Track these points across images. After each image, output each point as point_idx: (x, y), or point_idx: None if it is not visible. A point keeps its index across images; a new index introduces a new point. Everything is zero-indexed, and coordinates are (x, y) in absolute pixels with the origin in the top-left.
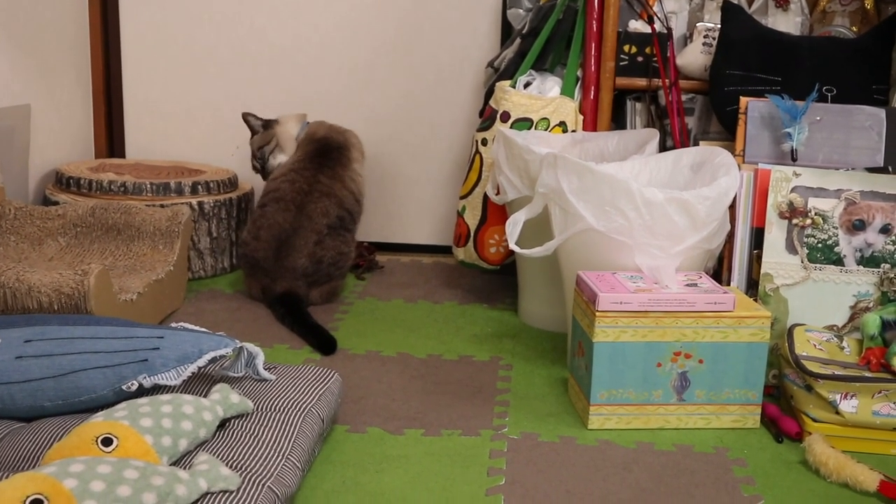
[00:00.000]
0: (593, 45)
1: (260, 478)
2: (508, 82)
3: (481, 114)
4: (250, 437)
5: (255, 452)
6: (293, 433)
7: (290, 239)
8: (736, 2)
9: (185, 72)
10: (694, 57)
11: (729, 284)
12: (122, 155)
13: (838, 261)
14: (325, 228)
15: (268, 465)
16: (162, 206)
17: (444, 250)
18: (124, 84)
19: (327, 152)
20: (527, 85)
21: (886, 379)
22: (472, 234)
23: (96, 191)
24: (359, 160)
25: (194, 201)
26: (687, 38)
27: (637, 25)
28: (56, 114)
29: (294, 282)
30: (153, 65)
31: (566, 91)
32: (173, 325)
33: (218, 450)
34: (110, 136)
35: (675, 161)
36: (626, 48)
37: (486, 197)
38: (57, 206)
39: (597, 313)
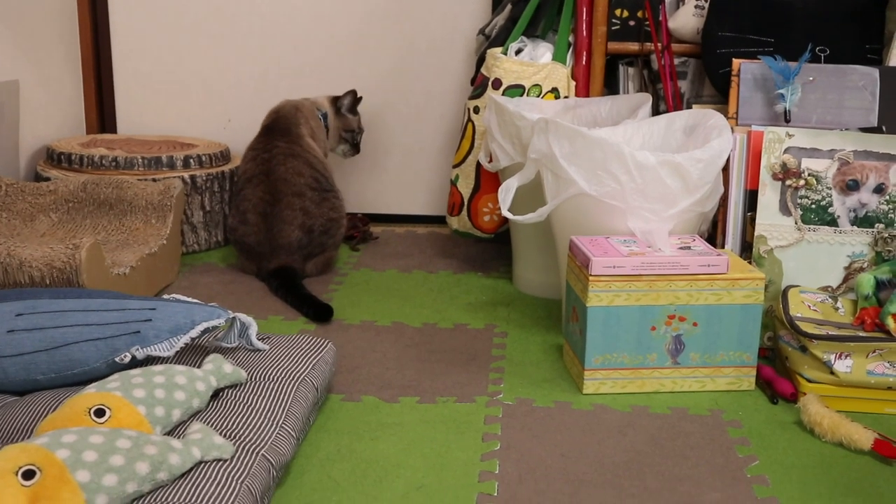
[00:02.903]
0: (584, 9)
1: (254, 446)
2: (500, 49)
3: (473, 81)
4: (244, 406)
5: (248, 421)
6: (287, 402)
7: (275, 210)
8: None
9: (176, 44)
10: (686, 20)
11: (723, 247)
12: (113, 130)
13: (832, 221)
14: (307, 190)
15: (262, 433)
16: (154, 180)
17: (439, 220)
18: (114, 58)
19: (277, 123)
20: (518, 51)
21: (881, 338)
22: (465, 202)
23: (88, 166)
24: (306, 136)
25: (186, 175)
26: (679, 1)
27: None
28: (45, 89)
29: (290, 257)
30: (143, 37)
31: (558, 57)
32: (165, 296)
33: (211, 419)
34: (101, 111)
35: (668, 125)
36: (617, 12)
37: (479, 165)
38: (48, 182)
39: (590, 278)
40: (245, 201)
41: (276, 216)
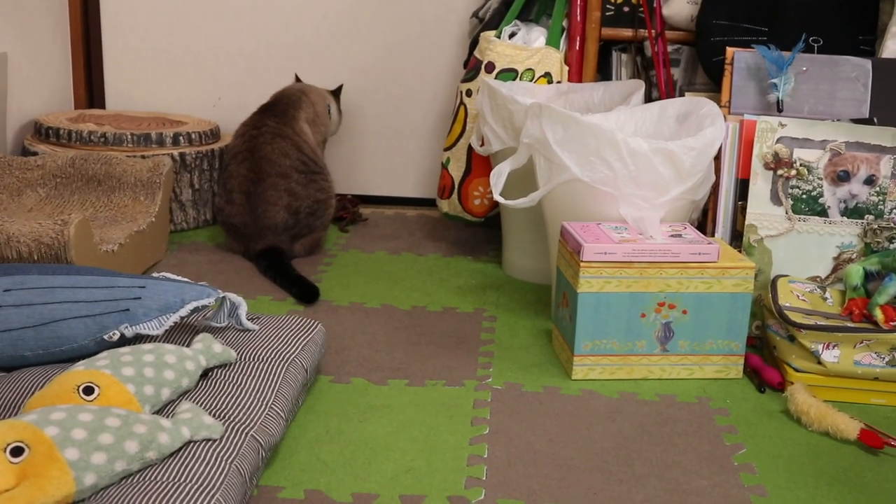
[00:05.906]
0: None
1: (243, 426)
2: (493, 32)
3: (466, 64)
4: (233, 386)
5: (238, 402)
6: (276, 383)
7: (258, 190)
8: None
9: (166, 20)
10: (680, 7)
11: (713, 235)
12: (101, 105)
13: (822, 212)
14: (293, 172)
15: (251, 414)
16: (143, 157)
17: (429, 203)
18: (103, 32)
19: (276, 103)
20: (512, 35)
21: (868, 329)
22: (456, 186)
23: (76, 141)
24: (303, 119)
25: (176, 152)
26: None
27: None
28: (33, 63)
29: (276, 238)
30: (133, 12)
31: (551, 41)
32: (155, 274)
33: (201, 399)
34: (89, 86)
35: (661, 112)
36: None
37: (470, 148)
38: (36, 157)
39: (581, 264)
40: (231, 179)
41: (259, 196)
